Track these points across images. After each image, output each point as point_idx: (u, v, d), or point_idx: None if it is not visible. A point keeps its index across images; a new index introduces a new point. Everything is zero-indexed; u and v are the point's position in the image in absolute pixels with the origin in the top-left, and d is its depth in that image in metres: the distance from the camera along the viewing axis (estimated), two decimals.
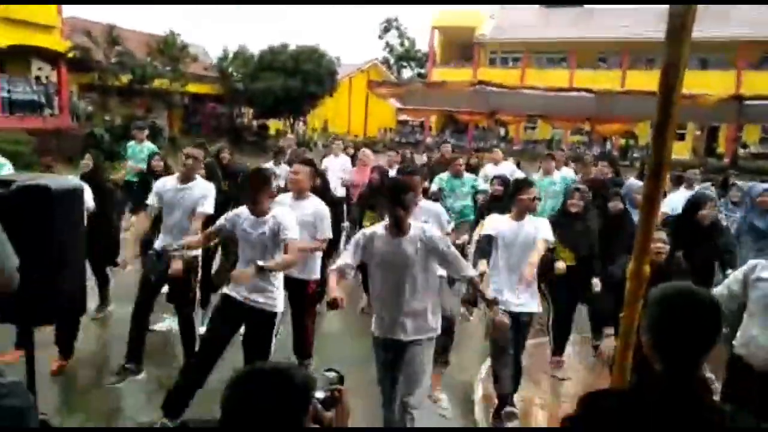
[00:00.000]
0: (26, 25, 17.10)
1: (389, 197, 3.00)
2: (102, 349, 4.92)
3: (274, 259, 3.44)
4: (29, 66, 20.24)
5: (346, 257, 3.14)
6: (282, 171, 7.19)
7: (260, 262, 3.33)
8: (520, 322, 3.85)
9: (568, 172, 7.98)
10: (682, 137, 30.08)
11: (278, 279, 3.64)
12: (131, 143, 8.27)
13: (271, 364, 1.46)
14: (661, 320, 1.40)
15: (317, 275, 4.38)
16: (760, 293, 2.78)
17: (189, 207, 4.20)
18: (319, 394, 1.47)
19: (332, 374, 1.59)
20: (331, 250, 5.03)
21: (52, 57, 19.06)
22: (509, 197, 4.18)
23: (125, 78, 20.32)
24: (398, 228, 3.01)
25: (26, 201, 2.53)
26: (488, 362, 4.74)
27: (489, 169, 8.18)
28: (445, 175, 6.70)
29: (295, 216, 3.75)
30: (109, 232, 5.19)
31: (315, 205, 4.23)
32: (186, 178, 4.29)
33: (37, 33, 17.57)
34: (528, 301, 3.89)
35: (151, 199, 4.32)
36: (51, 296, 2.63)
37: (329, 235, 4.30)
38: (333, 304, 2.92)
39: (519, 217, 3.94)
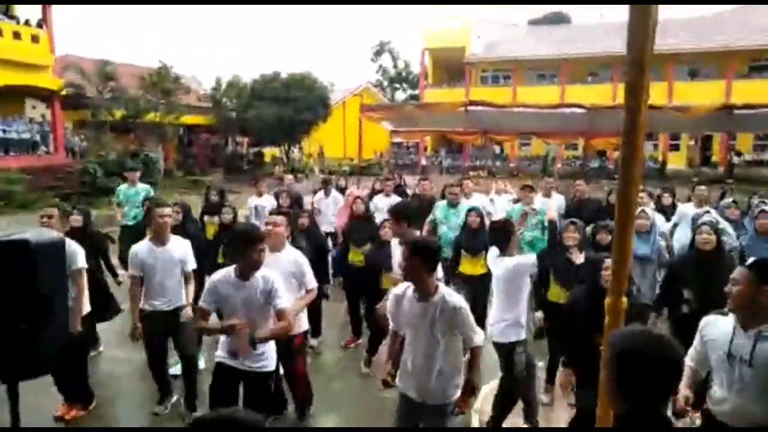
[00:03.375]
0: (19, 66, 17.30)
1: (423, 258, 2.95)
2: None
3: (269, 328, 3.34)
4: (23, 105, 20.44)
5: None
6: (268, 202, 7.24)
7: (257, 334, 3.24)
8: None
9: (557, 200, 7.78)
10: (676, 147, 30.26)
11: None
12: (123, 187, 8.03)
13: (221, 411, 1.45)
14: (623, 364, 1.41)
15: (305, 327, 4.32)
16: (711, 349, 2.72)
17: (169, 268, 4.30)
18: None
19: None
20: (318, 295, 4.94)
21: (45, 95, 19.24)
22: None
23: (119, 113, 20.49)
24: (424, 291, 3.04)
25: (7, 256, 2.53)
26: (483, 390, 4.72)
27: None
28: (441, 204, 6.71)
29: (276, 270, 3.69)
30: (99, 284, 5.10)
31: (294, 255, 4.13)
32: (160, 238, 4.33)
33: (30, 72, 17.76)
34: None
35: (131, 271, 4.34)
36: (34, 350, 2.62)
37: (315, 284, 4.21)
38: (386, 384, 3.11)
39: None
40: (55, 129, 19.29)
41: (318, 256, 5.31)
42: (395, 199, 7.71)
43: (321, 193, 8.38)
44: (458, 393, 3.08)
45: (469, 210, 5.90)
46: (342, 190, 8.84)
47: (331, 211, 7.99)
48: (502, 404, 4.07)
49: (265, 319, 3.38)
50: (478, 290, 5.56)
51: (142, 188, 7.88)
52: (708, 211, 6.04)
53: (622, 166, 1.93)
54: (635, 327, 1.55)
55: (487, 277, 5.66)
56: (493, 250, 4.19)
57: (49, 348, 2.71)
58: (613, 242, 1.99)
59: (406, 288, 3.13)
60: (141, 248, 4.36)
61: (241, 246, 3.32)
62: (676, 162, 28.32)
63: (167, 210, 4.40)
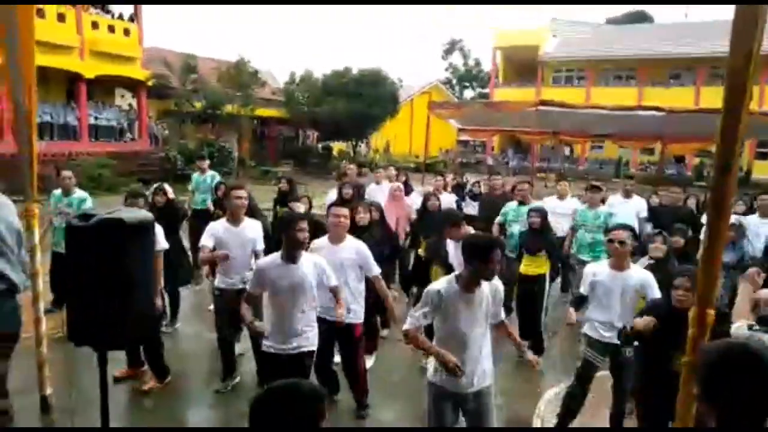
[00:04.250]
0: (112, 57, 18.55)
1: (477, 254, 2.90)
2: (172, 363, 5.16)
3: (338, 304, 3.69)
4: (113, 94, 21.81)
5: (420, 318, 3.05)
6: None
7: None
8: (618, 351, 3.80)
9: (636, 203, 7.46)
10: (764, 156, 28.26)
11: (314, 319, 3.72)
12: (195, 174, 8.44)
13: (284, 382, 1.65)
14: (712, 380, 1.34)
15: (362, 319, 4.36)
16: None
17: (242, 246, 4.51)
18: None
19: None
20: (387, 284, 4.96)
21: (133, 85, 20.49)
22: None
23: (199, 104, 21.44)
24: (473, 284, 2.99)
25: (104, 233, 2.72)
26: (546, 395, 4.65)
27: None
28: (512, 204, 6.60)
29: (337, 260, 3.92)
30: (180, 257, 5.55)
31: (355, 245, 4.23)
32: (235, 218, 4.56)
33: (121, 64, 19.01)
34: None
35: (205, 240, 4.54)
36: (122, 322, 2.81)
37: (378, 270, 4.29)
38: (453, 370, 2.89)
39: (617, 265, 3.81)
40: (140, 117, 20.50)
41: (390, 248, 5.45)
42: (449, 197, 7.64)
43: (373, 184, 8.34)
44: (492, 378, 3.15)
45: (531, 210, 5.75)
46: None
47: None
48: (562, 410, 4.00)
49: (310, 301, 3.59)
50: (532, 291, 5.52)
51: (210, 174, 8.28)
52: None
53: (717, 173, 1.86)
54: (729, 341, 1.47)
55: (543, 278, 5.58)
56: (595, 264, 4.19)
57: (135, 321, 2.91)
58: (703, 251, 1.92)
59: (446, 285, 3.00)
60: (218, 225, 4.61)
61: (282, 229, 3.59)
62: (763, 171, 26.43)
63: (242, 192, 4.63)
